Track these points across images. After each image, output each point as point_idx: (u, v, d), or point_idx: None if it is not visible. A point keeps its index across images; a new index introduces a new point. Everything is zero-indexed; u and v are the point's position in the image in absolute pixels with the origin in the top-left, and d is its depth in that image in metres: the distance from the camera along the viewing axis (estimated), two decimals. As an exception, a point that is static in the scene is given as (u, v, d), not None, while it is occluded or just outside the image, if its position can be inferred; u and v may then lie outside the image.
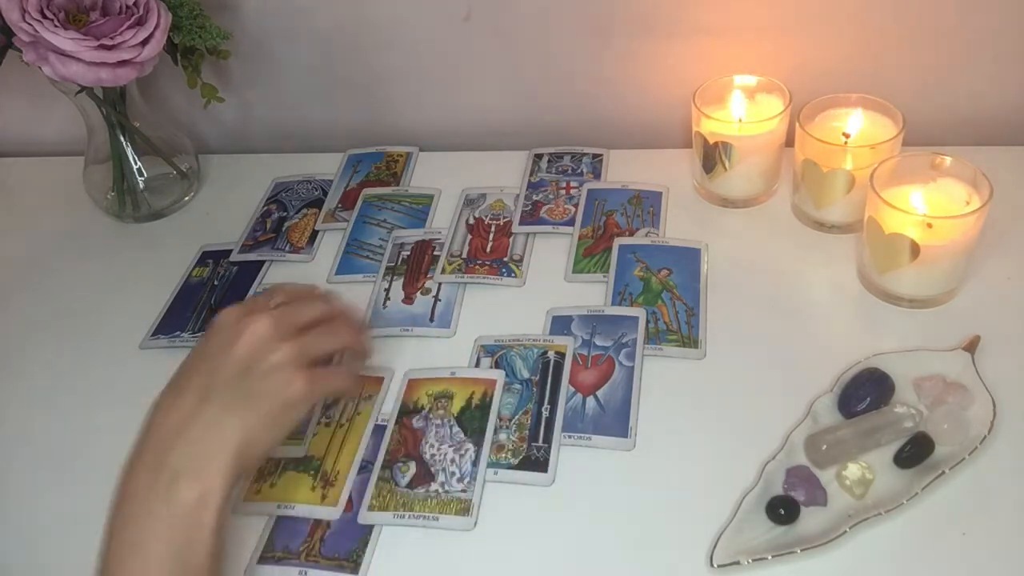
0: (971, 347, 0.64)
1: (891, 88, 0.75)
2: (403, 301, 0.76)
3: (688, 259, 0.76)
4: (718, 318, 0.71)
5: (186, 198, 0.91)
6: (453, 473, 0.62)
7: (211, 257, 0.84)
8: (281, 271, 0.81)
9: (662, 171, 0.84)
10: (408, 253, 0.80)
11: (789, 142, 0.77)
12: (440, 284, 0.77)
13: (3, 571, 0.62)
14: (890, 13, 0.78)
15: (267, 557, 0.60)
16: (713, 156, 0.77)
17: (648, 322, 0.70)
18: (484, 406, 0.66)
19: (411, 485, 0.62)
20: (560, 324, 0.71)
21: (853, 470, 0.58)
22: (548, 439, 0.63)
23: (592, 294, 0.74)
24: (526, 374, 0.68)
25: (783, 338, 0.68)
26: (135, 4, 0.73)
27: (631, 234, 0.79)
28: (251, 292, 0.79)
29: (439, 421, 0.66)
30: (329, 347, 0.58)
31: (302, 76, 0.92)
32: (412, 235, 0.82)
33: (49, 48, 0.69)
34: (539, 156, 0.89)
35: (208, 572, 0.49)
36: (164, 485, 0.50)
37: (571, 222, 0.81)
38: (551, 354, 0.69)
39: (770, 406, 0.63)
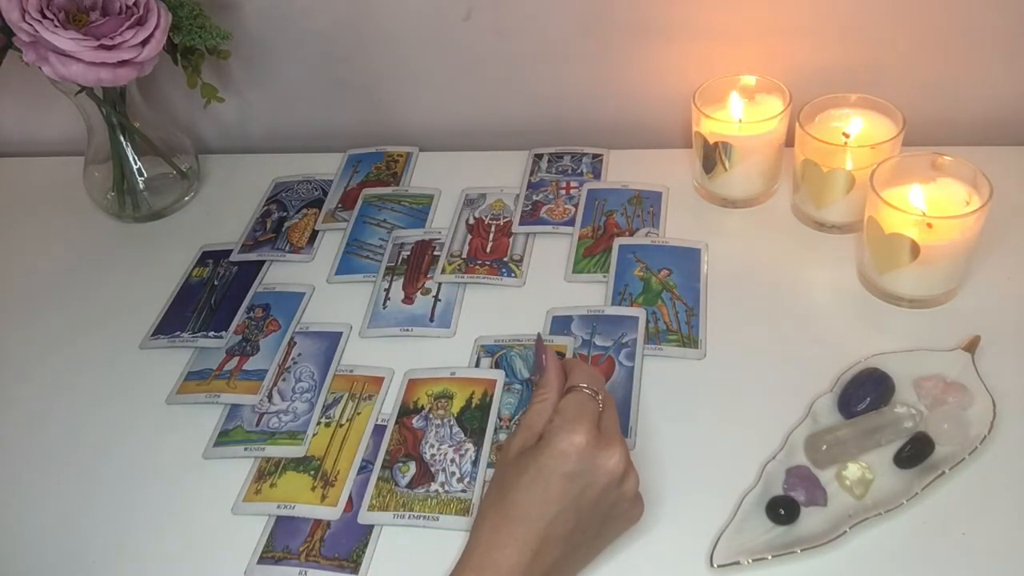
0: (971, 347, 0.64)
1: (891, 88, 0.75)
2: (403, 301, 0.76)
3: (688, 259, 0.75)
4: (718, 318, 0.71)
5: (186, 198, 0.91)
6: (453, 473, 0.62)
7: (211, 257, 0.84)
8: (281, 271, 0.81)
9: (662, 171, 0.84)
10: (408, 253, 0.80)
11: (789, 142, 0.77)
12: (440, 284, 0.77)
13: (3, 571, 0.62)
14: (890, 14, 0.78)
15: (267, 557, 0.60)
16: (713, 156, 0.77)
17: (648, 322, 0.70)
18: (484, 406, 0.66)
19: (411, 485, 0.62)
20: (560, 324, 0.71)
21: (853, 470, 0.58)
22: (548, 439, 0.63)
23: (592, 294, 0.74)
24: (526, 374, 0.68)
25: (783, 338, 0.68)
26: (135, 4, 0.72)
27: (631, 234, 0.79)
28: (251, 293, 0.79)
29: (439, 421, 0.66)
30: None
31: (302, 76, 0.92)
32: (412, 235, 0.82)
33: (49, 48, 0.69)
34: (539, 156, 0.89)
35: None
36: None
37: (571, 222, 0.81)
38: (551, 354, 0.69)
39: (770, 406, 0.63)
